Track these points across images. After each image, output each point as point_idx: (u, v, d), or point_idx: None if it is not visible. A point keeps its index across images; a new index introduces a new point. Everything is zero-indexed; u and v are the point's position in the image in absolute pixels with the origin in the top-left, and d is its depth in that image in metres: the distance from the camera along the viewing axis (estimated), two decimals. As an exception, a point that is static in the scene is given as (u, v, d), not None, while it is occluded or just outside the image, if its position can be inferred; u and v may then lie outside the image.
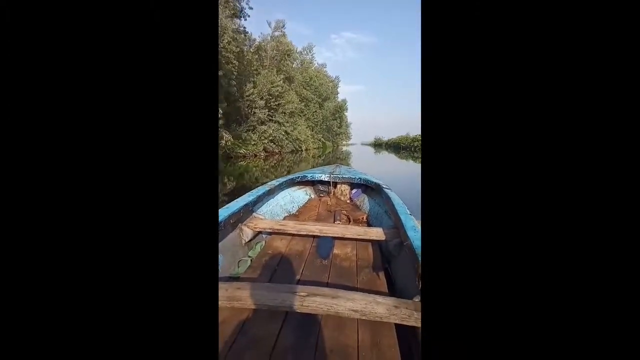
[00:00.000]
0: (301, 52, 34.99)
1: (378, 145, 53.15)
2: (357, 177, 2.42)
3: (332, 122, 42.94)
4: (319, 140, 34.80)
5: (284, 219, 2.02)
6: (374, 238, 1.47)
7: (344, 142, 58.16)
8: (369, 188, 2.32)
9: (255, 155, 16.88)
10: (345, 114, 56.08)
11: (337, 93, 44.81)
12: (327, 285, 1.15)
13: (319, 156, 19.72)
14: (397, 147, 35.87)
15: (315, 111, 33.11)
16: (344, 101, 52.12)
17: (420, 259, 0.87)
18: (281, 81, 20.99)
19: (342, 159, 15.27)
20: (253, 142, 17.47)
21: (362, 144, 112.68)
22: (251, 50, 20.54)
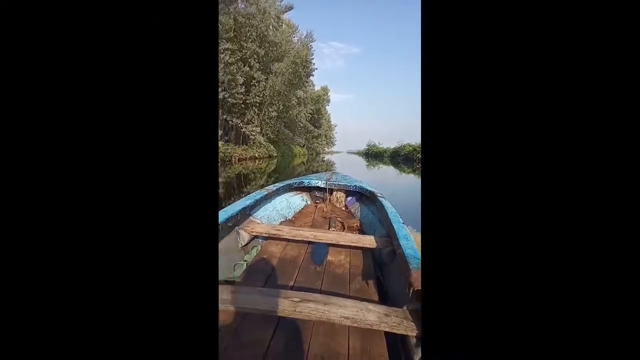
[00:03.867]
0: None
1: (373, 155, 34.80)
2: (353, 184, 2.47)
3: (295, 111, 23.17)
4: (263, 139, 19.15)
5: (280, 223, 2.04)
6: (367, 246, 1.50)
7: (325, 149, 47.39)
8: (364, 196, 2.37)
9: None
10: (327, 107, 41.73)
11: (310, 55, 19.97)
12: (320, 291, 1.16)
13: (266, 179, 8.53)
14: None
15: (253, 75, 16.38)
16: (324, 91, 34.92)
17: (411, 267, 0.90)
18: None
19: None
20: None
21: (348, 152, 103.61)
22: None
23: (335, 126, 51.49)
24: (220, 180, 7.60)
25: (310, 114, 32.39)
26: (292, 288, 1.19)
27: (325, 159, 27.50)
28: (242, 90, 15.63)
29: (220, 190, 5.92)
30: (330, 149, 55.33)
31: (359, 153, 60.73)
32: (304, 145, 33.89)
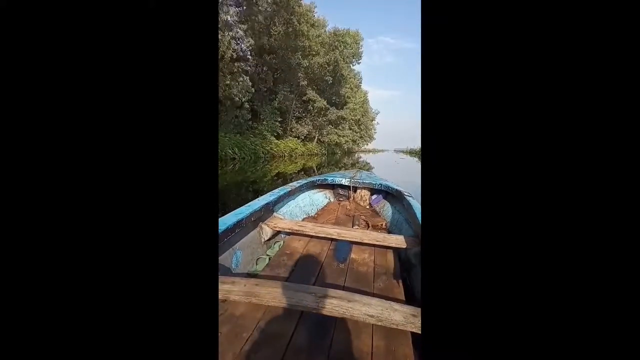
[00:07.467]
0: None
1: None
2: (378, 183, 2.45)
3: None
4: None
5: (303, 220, 2.08)
6: (393, 245, 1.49)
7: (359, 145, 32.84)
8: (390, 195, 2.36)
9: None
10: (359, 73, 26.58)
11: None
12: (344, 288, 1.15)
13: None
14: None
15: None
16: (354, 37, 20.49)
17: None
18: None
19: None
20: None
21: (395, 151, 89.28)
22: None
23: (377, 114, 38.50)
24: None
25: (322, 68, 17.90)
26: (314, 284, 1.20)
27: (361, 159, 16.56)
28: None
29: None
30: (368, 146, 41.97)
31: (410, 152, 47.26)
32: (314, 138, 21.10)
